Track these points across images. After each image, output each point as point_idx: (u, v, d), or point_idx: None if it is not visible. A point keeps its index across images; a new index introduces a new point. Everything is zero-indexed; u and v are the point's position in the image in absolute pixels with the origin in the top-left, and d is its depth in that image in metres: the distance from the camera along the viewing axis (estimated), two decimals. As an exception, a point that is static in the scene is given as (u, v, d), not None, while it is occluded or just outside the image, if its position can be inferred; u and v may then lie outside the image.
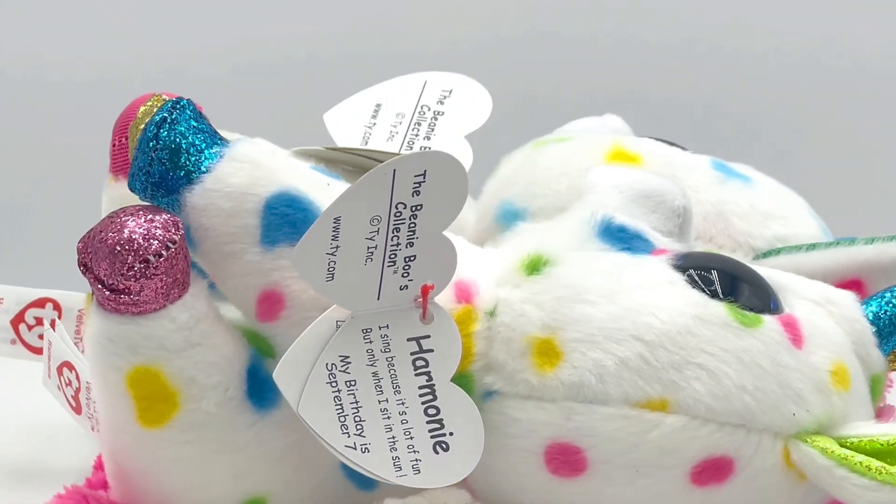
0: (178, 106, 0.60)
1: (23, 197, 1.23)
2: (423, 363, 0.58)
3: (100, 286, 0.57)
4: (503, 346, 0.59)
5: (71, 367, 0.61)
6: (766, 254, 0.70)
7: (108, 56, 1.25)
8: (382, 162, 0.56)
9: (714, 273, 0.59)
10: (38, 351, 0.70)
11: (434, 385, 0.58)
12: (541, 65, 1.22)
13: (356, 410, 0.58)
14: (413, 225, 0.56)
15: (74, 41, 1.25)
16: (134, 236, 0.57)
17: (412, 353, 0.58)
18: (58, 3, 1.25)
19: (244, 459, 0.61)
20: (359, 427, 0.58)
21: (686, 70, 1.22)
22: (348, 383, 0.58)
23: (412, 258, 0.57)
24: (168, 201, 0.59)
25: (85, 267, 0.58)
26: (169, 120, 0.59)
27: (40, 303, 0.71)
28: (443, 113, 0.73)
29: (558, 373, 0.57)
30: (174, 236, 0.58)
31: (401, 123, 0.73)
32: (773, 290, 0.59)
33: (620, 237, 0.61)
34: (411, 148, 0.71)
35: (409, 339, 0.58)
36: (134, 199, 0.68)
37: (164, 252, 0.57)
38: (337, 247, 0.57)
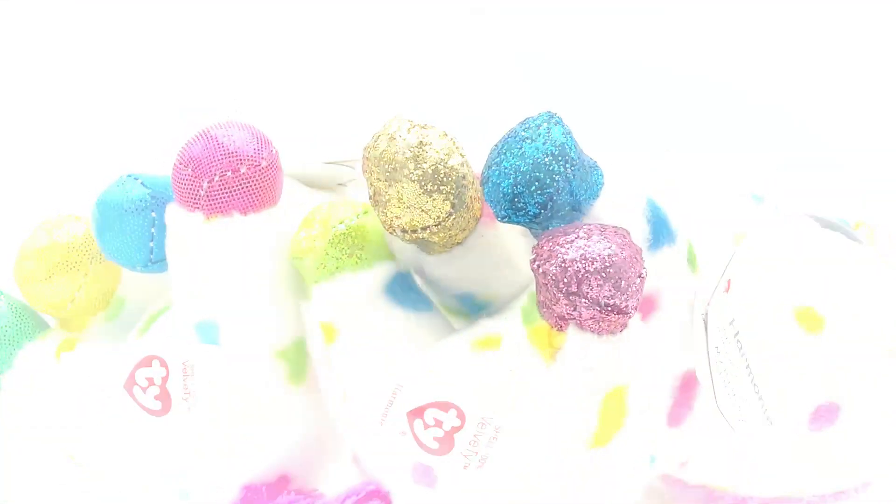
0: (562, 122, 0.58)
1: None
2: (739, 345, 0.60)
3: (597, 310, 0.56)
4: None
5: (446, 406, 0.59)
6: None
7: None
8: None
9: None
10: (157, 413, 0.65)
11: (749, 364, 0.59)
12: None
13: (733, 398, 0.62)
14: None
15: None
16: (621, 253, 0.55)
17: (734, 335, 0.60)
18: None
19: None
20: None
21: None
22: (724, 372, 0.62)
23: None
24: (559, 221, 0.58)
25: (571, 294, 0.55)
26: (570, 138, 0.57)
27: (146, 361, 0.65)
28: None
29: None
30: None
31: None
32: None
33: None
34: None
35: (730, 324, 0.60)
36: (269, 235, 0.65)
37: (645, 266, 0.56)
38: None
